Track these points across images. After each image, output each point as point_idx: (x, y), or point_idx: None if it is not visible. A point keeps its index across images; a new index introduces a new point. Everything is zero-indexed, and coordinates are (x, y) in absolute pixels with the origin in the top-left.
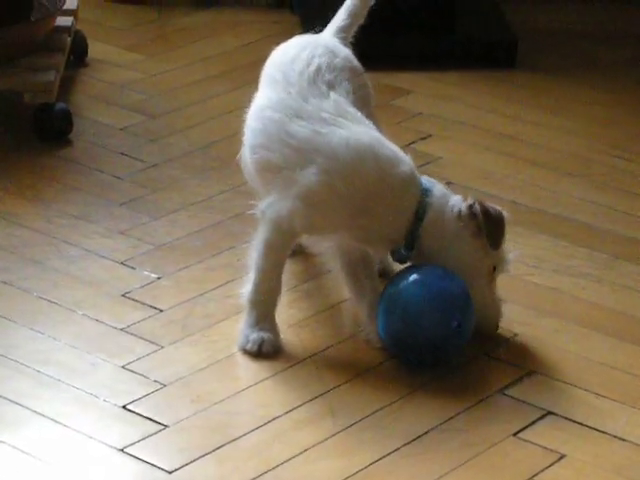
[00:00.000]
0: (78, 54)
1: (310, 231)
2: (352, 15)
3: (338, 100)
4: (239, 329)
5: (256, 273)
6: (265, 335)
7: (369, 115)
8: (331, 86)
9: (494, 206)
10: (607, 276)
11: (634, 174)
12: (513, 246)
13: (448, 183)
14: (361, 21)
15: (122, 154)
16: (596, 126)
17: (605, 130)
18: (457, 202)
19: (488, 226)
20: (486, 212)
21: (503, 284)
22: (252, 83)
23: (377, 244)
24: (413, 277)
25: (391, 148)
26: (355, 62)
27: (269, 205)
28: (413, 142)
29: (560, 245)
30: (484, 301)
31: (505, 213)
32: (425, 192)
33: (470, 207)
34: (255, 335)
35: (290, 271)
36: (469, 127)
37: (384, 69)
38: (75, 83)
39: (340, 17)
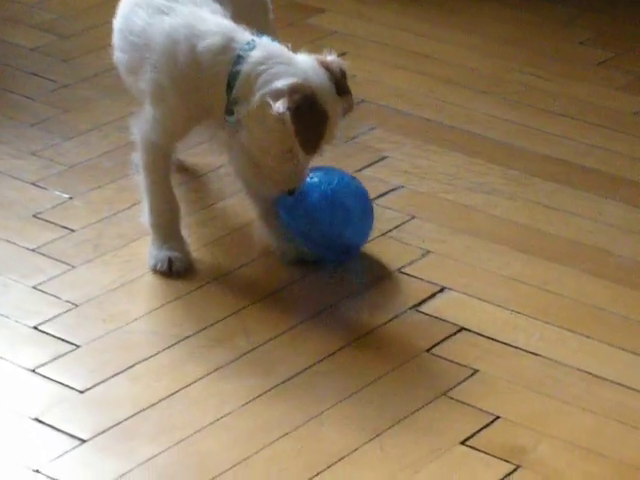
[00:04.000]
0: None
1: (173, 137)
2: None
3: None
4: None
5: (145, 196)
6: (173, 254)
7: (265, 22)
8: None
9: (314, 102)
10: (520, 193)
11: (547, 92)
12: (427, 164)
13: (362, 101)
14: None
15: (33, 74)
16: (509, 44)
17: (518, 48)
18: (278, 84)
19: (299, 129)
20: (299, 115)
21: (416, 202)
22: None
23: (218, 119)
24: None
25: (206, 23)
26: None
27: (135, 124)
28: None
29: (474, 162)
30: (269, 174)
31: (330, 111)
32: (237, 60)
33: (286, 107)
34: (162, 254)
35: (205, 190)
36: (383, 45)
37: None
38: None
39: None
